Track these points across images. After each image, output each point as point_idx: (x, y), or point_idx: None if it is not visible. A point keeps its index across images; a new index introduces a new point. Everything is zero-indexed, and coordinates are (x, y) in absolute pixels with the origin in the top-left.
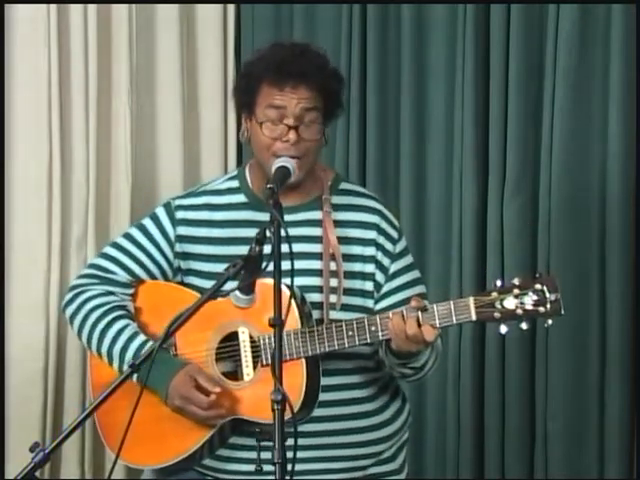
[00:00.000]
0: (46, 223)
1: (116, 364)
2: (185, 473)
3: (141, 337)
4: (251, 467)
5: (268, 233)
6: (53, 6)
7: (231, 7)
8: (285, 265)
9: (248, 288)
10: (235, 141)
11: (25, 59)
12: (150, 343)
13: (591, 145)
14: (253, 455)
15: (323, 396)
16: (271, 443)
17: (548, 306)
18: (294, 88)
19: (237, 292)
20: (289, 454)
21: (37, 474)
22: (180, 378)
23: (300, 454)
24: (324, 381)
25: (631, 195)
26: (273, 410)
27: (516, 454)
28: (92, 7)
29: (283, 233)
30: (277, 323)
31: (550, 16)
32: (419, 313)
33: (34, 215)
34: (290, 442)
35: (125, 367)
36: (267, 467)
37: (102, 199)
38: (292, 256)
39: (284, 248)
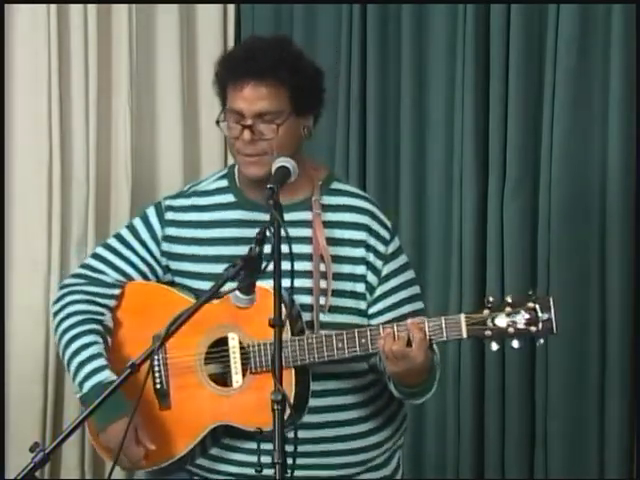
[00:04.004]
0: (46, 223)
1: (71, 375)
2: (176, 473)
3: (100, 361)
4: (241, 469)
5: (268, 233)
6: (53, 6)
7: (231, 7)
8: (283, 266)
9: (248, 288)
10: None
11: (25, 59)
12: (106, 370)
13: (591, 145)
14: (243, 458)
15: (313, 402)
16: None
17: (540, 325)
18: (249, 87)
19: (237, 292)
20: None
21: (37, 474)
22: (123, 425)
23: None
24: (316, 386)
25: (631, 195)
26: (273, 410)
27: (516, 454)
28: (92, 7)
29: (283, 233)
30: (277, 324)
31: (550, 16)
32: (410, 334)
33: (34, 215)
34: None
35: (76, 383)
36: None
37: (102, 199)
38: (292, 256)
39: (284, 248)
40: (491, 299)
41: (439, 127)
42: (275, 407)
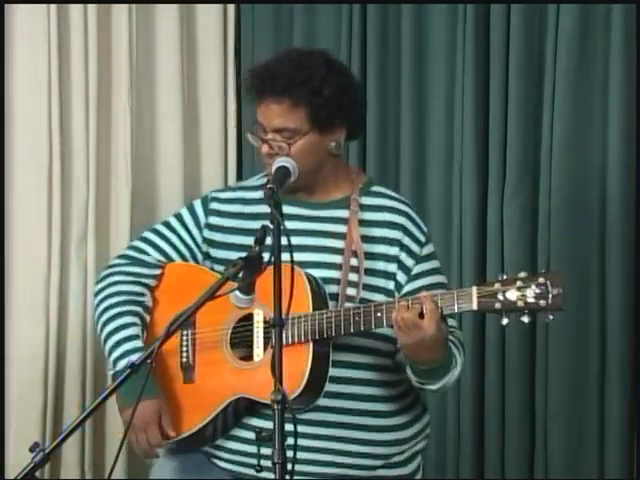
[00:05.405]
0: (46, 223)
1: (106, 352)
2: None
3: (135, 342)
4: (252, 448)
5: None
6: (53, 6)
7: (231, 7)
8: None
9: (248, 288)
10: (235, 141)
11: (25, 59)
12: (140, 352)
13: (591, 145)
14: (249, 435)
15: (338, 388)
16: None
17: (550, 300)
18: (266, 103)
19: (237, 292)
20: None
21: (37, 474)
22: (151, 406)
23: (307, 442)
24: (340, 373)
25: (631, 195)
26: (273, 410)
27: (516, 454)
28: (92, 7)
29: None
30: (277, 323)
31: (550, 16)
32: (423, 306)
33: (34, 215)
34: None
35: (110, 360)
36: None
37: (102, 199)
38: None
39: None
40: (505, 276)
41: (439, 127)
42: (275, 407)
